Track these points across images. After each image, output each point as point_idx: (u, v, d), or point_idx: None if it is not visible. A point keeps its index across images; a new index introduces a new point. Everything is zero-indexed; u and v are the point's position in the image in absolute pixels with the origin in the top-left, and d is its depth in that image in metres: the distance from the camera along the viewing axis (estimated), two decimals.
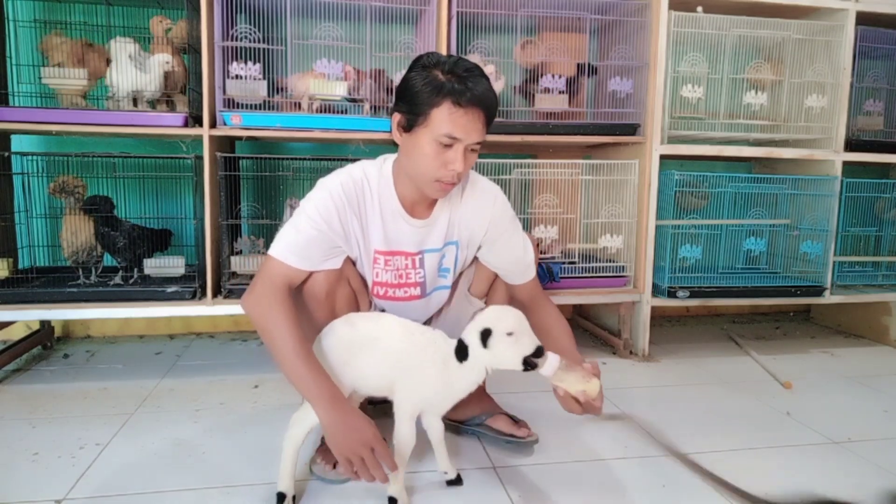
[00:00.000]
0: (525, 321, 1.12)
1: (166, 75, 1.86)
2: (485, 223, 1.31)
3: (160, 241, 2.00)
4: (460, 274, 1.40)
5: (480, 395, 1.47)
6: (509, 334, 1.09)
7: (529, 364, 1.09)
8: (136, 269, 1.94)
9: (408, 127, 1.16)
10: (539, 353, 1.09)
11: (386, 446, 1.09)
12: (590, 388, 1.14)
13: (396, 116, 1.19)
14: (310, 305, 1.24)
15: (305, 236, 1.18)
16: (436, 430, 1.23)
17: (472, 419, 1.46)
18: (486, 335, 1.10)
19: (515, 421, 1.43)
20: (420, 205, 1.27)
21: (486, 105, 1.13)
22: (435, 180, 1.16)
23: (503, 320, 1.10)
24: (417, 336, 1.17)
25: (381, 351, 1.15)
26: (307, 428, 1.15)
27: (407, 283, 1.31)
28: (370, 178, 1.24)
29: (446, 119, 1.11)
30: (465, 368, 1.13)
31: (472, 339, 1.11)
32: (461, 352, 1.12)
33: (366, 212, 1.24)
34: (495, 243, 1.33)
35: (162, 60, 1.82)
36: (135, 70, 1.80)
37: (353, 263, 1.31)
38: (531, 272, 1.38)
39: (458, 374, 1.14)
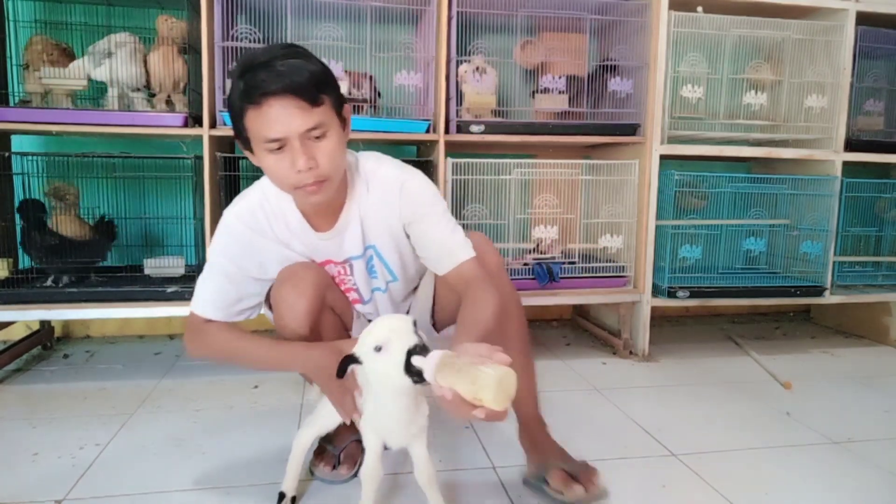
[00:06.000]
0: (402, 327, 0.91)
1: (146, 64, 1.86)
2: (395, 213, 1.14)
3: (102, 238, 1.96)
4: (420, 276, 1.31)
5: (535, 441, 1.25)
6: (377, 349, 0.89)
7: (415, 374, 0.86)
8: (66, 276, 1.90)
9: (248, 148, 1.04)
10: (416, 352, 0.86)
11: (349, 378, 1.02)
12: (481, 383, 0.78)
13: (238, 142, 1.06)
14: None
15: (215, 286, 1.13)
16: (419, 468, 1.05)
17: (531, 475, 1.24)
18: (346, 364, 0.94)
19: (572, 476, 1.17)
20: (324, 215, 1.14)
21: (290, 86, 0.95)
22: (296, 188, 1.02)
23: (370, 335, 0.92)
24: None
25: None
26: (316, 432, 1.15)
27: (346, 290, 1.26)
28: (269, 196, 1.13)
29: (255, 125, 0.98)
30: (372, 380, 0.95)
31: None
32: (341, 370, 0.94)
33: (276, 235, 1.14)
34: (415, 233, 1.16)
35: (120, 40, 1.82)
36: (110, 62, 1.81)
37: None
38: (460, 255, 1.13)
39: (373, 387, 0.97)
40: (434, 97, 1.96)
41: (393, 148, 2.07)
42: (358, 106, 1.96)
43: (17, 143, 2.08)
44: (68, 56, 1.91)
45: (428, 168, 2.01)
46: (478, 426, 1.53)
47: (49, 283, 1.88)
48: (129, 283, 1.90)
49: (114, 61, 1.82)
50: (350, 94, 1.92)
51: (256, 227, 1.13)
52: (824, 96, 2.19)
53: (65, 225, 1.86)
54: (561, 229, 2.11)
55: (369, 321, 1.23)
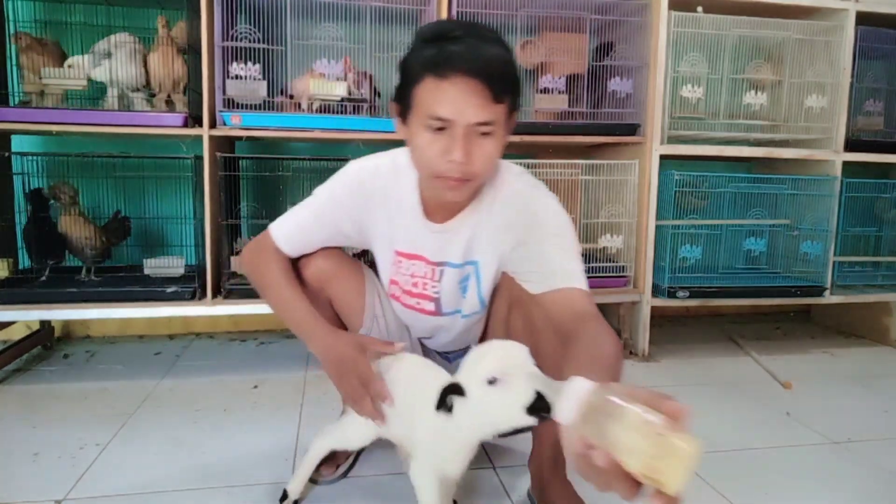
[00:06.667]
0: (520, 357, 0.81)
1: (146, 64, 1.87)
2: (511, 236, 1.05)
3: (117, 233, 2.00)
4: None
5: (545, 478, 1.15)
6: (491, 382, 0.80)
7: (540, 412, 0.76)
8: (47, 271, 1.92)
9: (403, 116, 0.97)
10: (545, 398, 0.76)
11: (375, 380, 1.00)
12: (667, 459, 0.54)
13: (394, 106, 0.99)
14: None
15: (303, 220, 1.11)
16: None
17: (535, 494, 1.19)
18: (447, 394, 0.85)
19: None
20: (445, 207, 1.06)
21: (483, 71, 0.86)
22: (436, 176, 0.94)
23: (481, 363, 0.82)
24: (420, 376, 1.00)
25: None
26: (337, 445, 1.14)
27: (423, 295, 1.14)
28: (400, 168, 1.07)
29: (429, 96, 0.89)
30: (465, 415, 0.86)
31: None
32: (441, 401, 0.87)
33: (386, 206, 1.08)
34: (526, 249, 1.04)
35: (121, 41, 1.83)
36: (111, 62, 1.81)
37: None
38: (574, 280, 0.97)
39: (457, 420, 0.87)
40: None
41: (391, 148, 2.07)
42: (357, 106, 1.96)
43: (17, 143, 2.08)
44: (56, 53, 1.90)
45: None
46: None
47: (43, 278, 1.88)
48: (129, 283, 1.90)
49: (113, 61, 1.82)
50: (350, 93, 1.92)
51: (372, 189, 1.08)
52: (824, 96, 2.19)
53: (67, 225, 1.86)
54: None
55: (421, 340, 1.23)
